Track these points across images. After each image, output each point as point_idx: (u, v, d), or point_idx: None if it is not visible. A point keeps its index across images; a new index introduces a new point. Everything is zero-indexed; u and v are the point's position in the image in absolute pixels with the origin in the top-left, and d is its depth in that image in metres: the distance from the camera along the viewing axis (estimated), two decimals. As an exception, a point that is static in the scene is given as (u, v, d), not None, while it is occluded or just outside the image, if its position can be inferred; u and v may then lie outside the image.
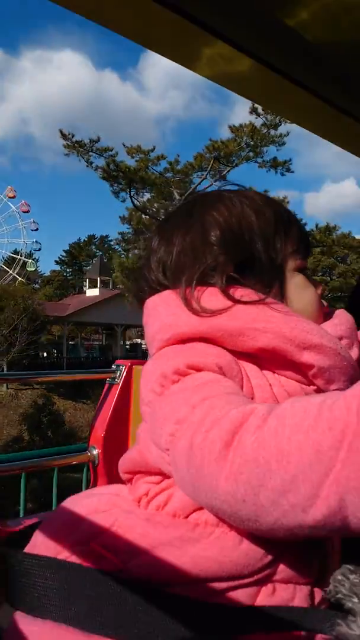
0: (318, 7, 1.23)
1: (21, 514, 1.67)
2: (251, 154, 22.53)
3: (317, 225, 29.69)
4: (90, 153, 22.34)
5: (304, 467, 0.47)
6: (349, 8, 1.22)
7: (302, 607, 0.61)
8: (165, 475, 0.66)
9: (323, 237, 28.68)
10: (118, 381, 1.67)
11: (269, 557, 0.60)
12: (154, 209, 23.72)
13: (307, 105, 1.51)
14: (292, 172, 24.03)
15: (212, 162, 22.57)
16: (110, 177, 22.90)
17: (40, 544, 0.69)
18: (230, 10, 1.28)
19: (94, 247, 55.42)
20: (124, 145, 23.37)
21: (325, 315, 0.77)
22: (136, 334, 38.76)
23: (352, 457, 0.46)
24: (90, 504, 0.71)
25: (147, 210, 23.81)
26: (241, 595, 0.60)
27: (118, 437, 1.65)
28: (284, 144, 22.53)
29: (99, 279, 37.01)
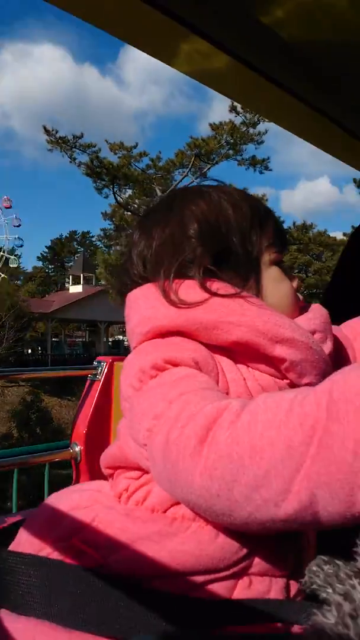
0: (294, 6, 1.24)
1: (14, 510, 1.69)
2: (231, 151, 22.66)
3: (294, 223, 30.12)
4: (74, 149, 22.21)
5: (276, 462, 0.48)
6: (325, 8, 1.23)
7: (279, 599, 0.62)
8: (144, 471, 0.67)
9: (300, 235, 29.05)
10: (99, 377, 1.67)
11: (245, 551, 0.61)
12: (135, 206, 23.66)
13: (283, 103, 1.53)
14: (270, 170, 24.28)
15: (193, 159, 22.59)
16: (94, 174, 22.78)
17: (25, 542, 0.70)
18: (208, 7, 1.29)
19: (75, 243, 55.03)
20: (107, 142, 23.31)
21: (301, 309, 0.78)
22: (118, 330, 38.66)
23: (322, 452, 0.46)
24: (72, 500, 0.71)
25: (130, 207, 23.74)
26: (219, 589, 0.60)
27: (100, 434, 1.65)
28: (262, 142, 22.72)
29: (82, 275, 36.79)
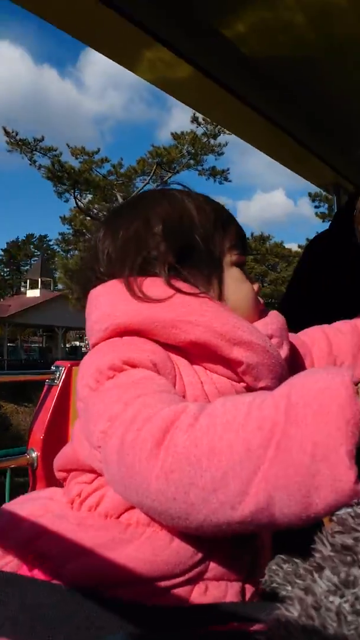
0: (254, 22, 1.28)
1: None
2: (192, 161, 22.95)
3: (252, 234, 30.68)
4: (34, 152, 21.88)
5: (234, 464, 0.48)
6: (283, 25, 1.28)
7: (239, 602, 0.62)
8: (97, 474, 0.66)
9: (258, 246, 29.64)
10: (57, 382, 1.64)
11: (200, 555, 0.61)
12: (95, 211, 23.51)
13: (241, 115, 1.56)
14: (230, 181, 24.76)
15: (155, 167, 22.70)
16: (55, 177, 22.51)
17: None
18: (172, 16, 1.31)
19: (32, 246, 53.95)
20: (68, 146, 23.11)
21: (260, 312, 0.79)
22: (75, 336, 38.11)
23: (280, 455, 0.47)
24: (24, 509, 0.69)
25: (90, 212, 23.55)
26: (175, 596, 0.60)
27: (57, 440, 1.62)
28: (222, 153, 23.14)
29: (40, 279, 36.12)
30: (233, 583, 0.64)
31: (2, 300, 39.70)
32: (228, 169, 24.68)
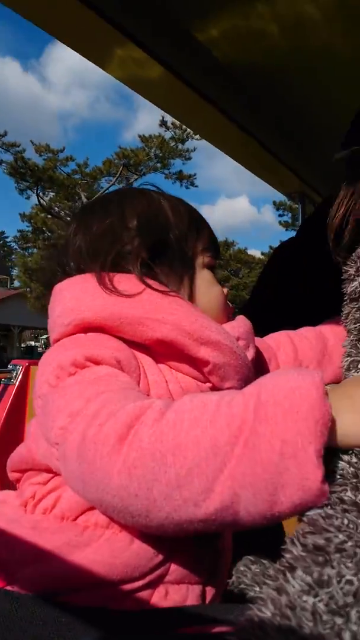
0: (227, 29, 1.29)
1: None
2: (159, 165, 22.99)
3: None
4: (-4, 147, 21.41)
5: (199, 461, 0.47)
6: (259, 34, 1.30)
7: (204, 605, 0.61)
8: (53, 473, 0.64)
9: (222, 252, 29.98)
10: (14, 382, 1.60)
11: (160, 557, 0.60)
12: (56, 209, 23.19)
13: (212, 119, 1.58)
14: (197, 186, 24.96)
15: (121, 168, 22.62)
16: (17, 174, 22.07)
17: None
18: (147, 16, 1.30)
19: (-11, 243, 52.63)
20: (32, 143, 22.72)
21: (229, 315, 0.80)
22: (30, 336, 37.39)
23: (247, 453, 0.47)
24: None
25: (52, 210, 23.21)
26: (135, 600, 0.59)
27: (12, 441, 1.57)
28: (190, 158, 23.30)
29: (-4, 277, 35.31)
30: (194, 586, 0.63)
31: None
32: (195, 174, 24.93)
